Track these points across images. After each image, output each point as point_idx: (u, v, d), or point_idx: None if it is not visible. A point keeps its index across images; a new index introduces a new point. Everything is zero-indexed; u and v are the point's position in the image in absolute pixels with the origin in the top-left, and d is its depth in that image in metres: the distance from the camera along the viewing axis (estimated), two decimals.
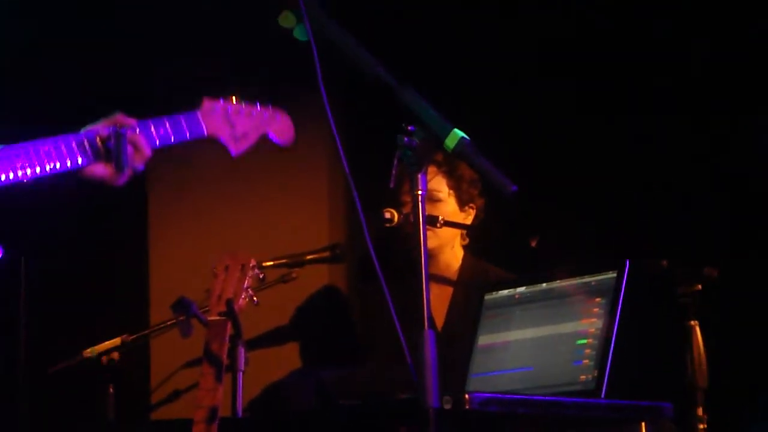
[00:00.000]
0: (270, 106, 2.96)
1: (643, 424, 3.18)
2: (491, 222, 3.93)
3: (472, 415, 2.46)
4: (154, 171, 4.65)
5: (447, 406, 2.38)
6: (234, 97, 2.94)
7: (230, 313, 3.21)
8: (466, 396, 2.42)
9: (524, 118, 4.35)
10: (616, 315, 2.75)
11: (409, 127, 2.38)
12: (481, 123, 2.85)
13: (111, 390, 3.85)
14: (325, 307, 4.43)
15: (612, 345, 2.71)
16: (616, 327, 2.74)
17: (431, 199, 3.80)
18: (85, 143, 2.68)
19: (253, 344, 4.07)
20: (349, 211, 4.56)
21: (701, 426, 3.27)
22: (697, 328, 3.30)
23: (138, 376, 4.46)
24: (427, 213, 3.75)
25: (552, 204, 4.18)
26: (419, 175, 2.39)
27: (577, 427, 3.02)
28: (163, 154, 4.59)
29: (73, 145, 2.66)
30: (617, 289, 2.78)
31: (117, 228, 4.63)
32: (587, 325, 2.79)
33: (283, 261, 4.03)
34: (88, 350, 3.85)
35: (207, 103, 2.88)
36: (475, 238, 3.96)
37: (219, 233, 4.51)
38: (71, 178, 2.71)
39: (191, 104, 2.89)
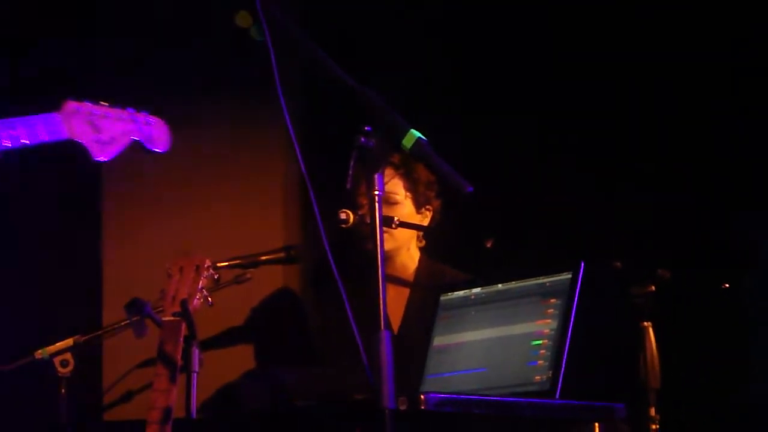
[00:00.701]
0: (145, 112, 2.85)
1: (596, 424, 3.21)
2: (447, 223, 3.94)
3: (427, 416, 2.46)
4: (109, 170, 4.63)
5: (402, 407, 2.39)
6: (102, 101, 2.82)
7: (184, 313, 3.20)
8: (422, 397, 2.42)
9: (479, 120, 4.37)
10: (570, 316, 2.77)
11: (366, 128, 2.38)
12: (436, 124, 2.86)
13: (63, 391, 3.81)
14: (279, 308, 4.42)
15: (566, 346, 2.72)
16: (570, 328, 2.75)
17: (388, 201, 3.80)
18: None
19: (207, 345, 4.05)
20: (304, 212, 4.55)
21: (653, 426, 3.29)
22: (650, 329, 3.33)
23: (90, 377, 4.42)
24: (383, 214, 3.78)
25: (507, 205, 4.20)
26: (376, 176, 2.39)
27: (531, 427, 3.04)
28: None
29: None
30: (572, 291, 2.80)
31: (70, 227, 4.60)
32: (542, 326, 2.80)
33: (238, 262, 4.01)
34: (40, 351, 3.81)
35: (69, 105, 2.76)
36: (432, 239, 3.97)
37: (173, 233, 4.49)
38: None
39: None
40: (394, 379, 2.30)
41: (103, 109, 2.77)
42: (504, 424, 2.93)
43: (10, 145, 2.64)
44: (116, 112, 2.78)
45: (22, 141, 2.66)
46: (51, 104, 2.75)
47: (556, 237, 4.10)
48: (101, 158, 2.73)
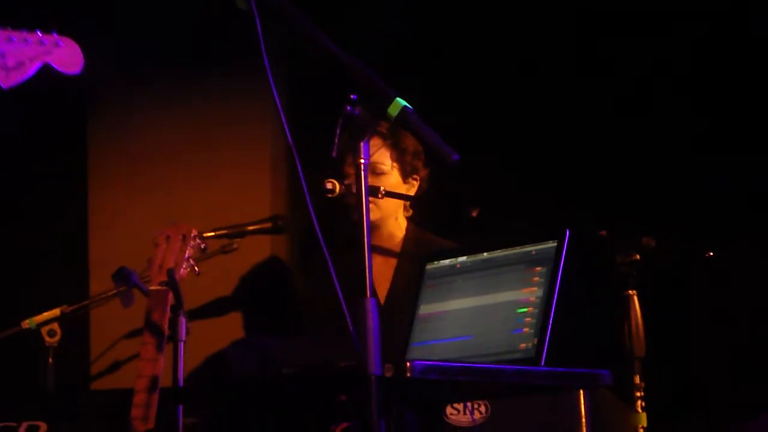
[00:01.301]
0: (54, 33, 2.62)
1: (581, 391, 3.23)
2: (433, 192, 3.94)
3: (413, 383, 2.47)
4: (95, 138, 4.62)
5: (388, 374, 2.39)
6: (7, 26, 2.60)
7: (171, 282, 3.20)
8: (408, 364, 2.43)
9: (465, 88, 4.37)
10: (555, 284, 2.77)
11: (352, 96, 2.38)
12: (422, 92, 2.86)
13: (50, 361, 3.82)
14: (266, 278, 4.43)
15: (552, 314, 2.73)
16: (555, 296, 2.76)
17: (374, 171, 3.80)
18: None
19: (195, 314, 4.06)
20: (291, 182, 4.56)
21: (638, 394, 3.32)
22: (635, 298, 3.35)
23: (78, 347, 4.43)
24: (369, 184, 3.77)
25: (493, 173, 4.21)
26: (362, 144, 2.39)
27: (516, 394, 3.05)
28: (104, 122, 4.61)
29: None
30: (557, 259, 2.79)
31: (55, 197, 4.59)
32: (527, 294, 2.80)
33: (224, 232, 4.02)
34: (27, 321, 3.82)
35: None
36: (419, 209, 3.98)
37: (160, 203, 4.49)
38: None
39: None
40: (382, 347, 2.31)
41: (6, 32, 2.57)
42: (489, 390, 2.95)
43: None
44: (22, 34, 2.57)
45: None
46: None
47: (542, 205, 4.11)
48: (8, 85, 2.53)
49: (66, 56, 2.54)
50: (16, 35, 2.54)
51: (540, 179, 4.24)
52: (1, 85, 2.50)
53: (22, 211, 4.54)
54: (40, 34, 2.55)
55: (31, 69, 2.52)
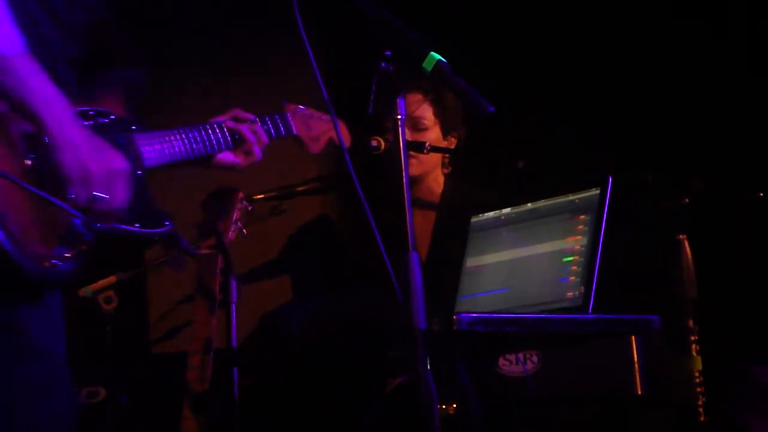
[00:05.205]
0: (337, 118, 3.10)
1: (633, 337, 3.22)
2: (477, 146, 3.93)
3: (460, 336, 2.48)
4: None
5: (435, 328, 2.40)
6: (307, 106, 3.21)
7: (220, 246, 3.24)
8: (454, 317, 2.44)
9: (505, 39, 4.34)
10: (600, 231, 2.76)
11: (386, 52, 2.38)
12: (460, 45, 2.85)
13: (108, 328, 3.86)
14: (317, 238, 4.45)
15: (597, 261, 2.72)
16: (600, 243, 2.75)
17: (417, 127, 3.81)
18: (218, 132, 2.88)
19: (246, 277, 4.08)
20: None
21: (693, 337, 3.30)
22: (686, 242, 3.32)
23: (137, 314, 4.48)
24: (412, 139, 3.77)
25: (534, 122, 4.18)
26: (398, 100, 2.39)
27: (567, 343, 3.05)
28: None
29: (210, 132, 2.85)
30: (601, 206, 2.79)
31: None
32: (573, 242, 2.80)
33: (273, 194, 4.04)
34: (83, 289, 3.86)
35: (291, 107, 3.16)
36: (458, 166, 3.97)
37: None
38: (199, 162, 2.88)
39: None
40: (427, 301, 2.32)
41: (311, 111, 3.19)
42: (538, 340, 2.95)
43: (270, 137, 3.06)
44: (319, 113, 3.19)
45: (275, 133, 3.09)
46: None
47: (588, 151, 4.08)
48: (314, 151, 3.15)
49: (343, 134, 3.10)
50: (316, 114, 3.20)
51: (583, 124, 4.20)
52: (309, 151, 3.15)
53: None
54: (325, 115, 3.19)
55: (324, 142, 3.17)
